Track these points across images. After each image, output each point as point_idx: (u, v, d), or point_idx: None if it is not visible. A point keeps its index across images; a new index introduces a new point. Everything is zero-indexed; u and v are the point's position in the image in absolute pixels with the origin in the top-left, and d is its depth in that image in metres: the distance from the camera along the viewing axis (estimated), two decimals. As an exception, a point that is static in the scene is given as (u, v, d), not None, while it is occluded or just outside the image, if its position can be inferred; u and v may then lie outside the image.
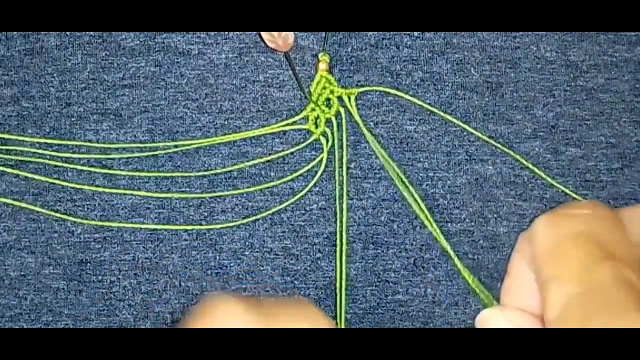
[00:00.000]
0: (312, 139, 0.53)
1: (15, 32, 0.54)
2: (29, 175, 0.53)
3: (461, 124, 0.53)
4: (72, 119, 0.54)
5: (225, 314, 0.41)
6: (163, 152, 0.53)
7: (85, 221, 0.53)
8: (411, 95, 0.53)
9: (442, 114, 0.53)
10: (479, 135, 0.53)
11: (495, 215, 0.53)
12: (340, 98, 0.53)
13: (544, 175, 0.53)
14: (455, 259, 0.48)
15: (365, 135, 0.53)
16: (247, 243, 0.53)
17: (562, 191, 0.53)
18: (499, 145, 0.53)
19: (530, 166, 0.53)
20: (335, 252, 0.53)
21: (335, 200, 0.53)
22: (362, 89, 0.53)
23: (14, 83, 0.54)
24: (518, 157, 0.53)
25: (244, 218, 0.53)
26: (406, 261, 0.53)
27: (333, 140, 0.53)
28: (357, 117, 0.53)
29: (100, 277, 0.53)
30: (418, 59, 0.54)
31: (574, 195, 0.53)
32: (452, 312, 0.53)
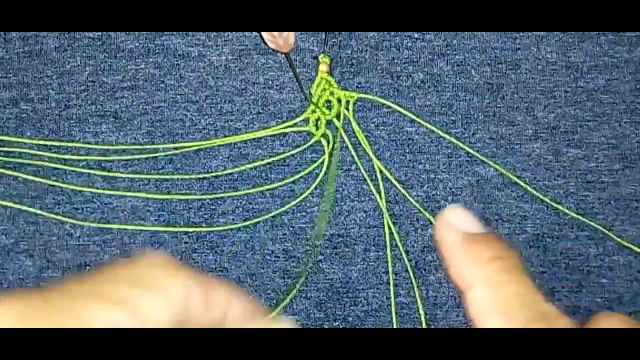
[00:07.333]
0: (312, 141, 0.53)
1: (15, 35, 0.54)
2: (28, 177, 0.53)
3: (443, 133, 0.53)
4: (72, 122, 0.53)
5: (157, 263, 0.38)
6: (163, 154, 0.53)
7: (84, 224, 0.53)
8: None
9: (432, 127, 0.53)
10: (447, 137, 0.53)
11: (496, 217, 0.53)
12: (340, 100, 0.53)
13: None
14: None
15: (361, 141, 0.53)
16: (248, 245, 0.53)
17: (564, 194, 0.53)
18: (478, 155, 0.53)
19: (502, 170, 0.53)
20: (336, 254, 0.53)
21: (336, 202, 0.53)
22: (362, 95, 0.53)
23: (13, 86, 0.54)
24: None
25: (245, 220, 0.53)
26: (408, 263, 0.52)
27: (334, 143, 0.53)
28: (354, 125, 0.53)
29: (100, 281, 0.53)
30: (419, 61, 0.54)
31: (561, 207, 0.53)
32: (454, 315, 0.53)
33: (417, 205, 0.53)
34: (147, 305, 0.36)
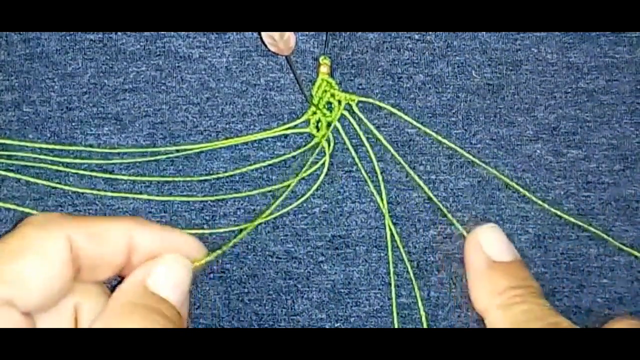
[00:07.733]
0: (313, 142, 0.53)
1: (16, 37, 0.54)
2: (30, 180, 0.53)
3: (439, 138, 0.53)
4: (73, 124, 0.54)
5: (35, 226, 0.41)
6: (164, 156, 0.53)
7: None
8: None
9: (429, 130, 0.53)
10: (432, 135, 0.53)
11: (497, 218, 0.53)
12: (341, 102, 0.53)
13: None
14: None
15: (362, 141, 0.53)
16: (249, 247, 0.53)
17: (564, 194, 0.53)
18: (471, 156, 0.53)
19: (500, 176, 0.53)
20: (337, 255, 0.53)
21: (337, 203, 0.53)
22: (362, 98, 0.53)
23: (14, 88, 0.54)
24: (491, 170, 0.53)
25: (246, 222, 0.53)
26: (409, 264, 0.53)
27: (335, 144, 0.53)
28: (356, 126, 0.53)
29: (102, 282, 0.53)
30: (419, 62, 0.54)
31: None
32: (455, 315, 0.53)
33: (430, 194, 0.53)
34: (21, 271, 0.40)
